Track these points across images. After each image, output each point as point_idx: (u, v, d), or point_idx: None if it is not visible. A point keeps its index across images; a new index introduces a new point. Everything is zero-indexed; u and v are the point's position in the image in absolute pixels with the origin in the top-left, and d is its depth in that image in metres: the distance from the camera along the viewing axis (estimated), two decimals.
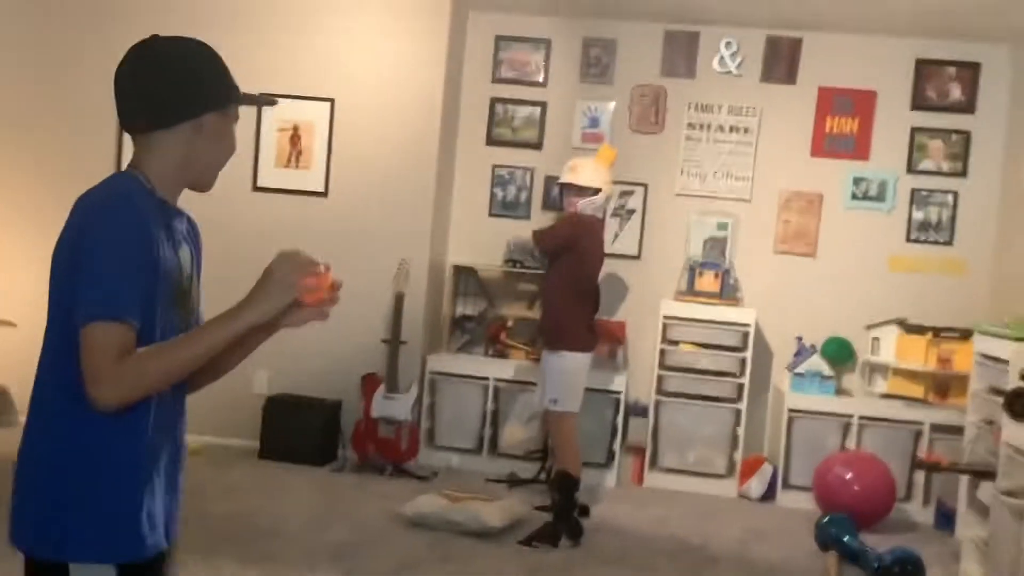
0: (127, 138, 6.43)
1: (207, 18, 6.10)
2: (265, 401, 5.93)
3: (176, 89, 1.77)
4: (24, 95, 6.22)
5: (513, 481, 5.79)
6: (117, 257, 1.65)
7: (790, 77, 6.22)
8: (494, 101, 6.42)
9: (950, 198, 6.16)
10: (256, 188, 6.12)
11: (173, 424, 1.86)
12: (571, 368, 4.84)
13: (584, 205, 4.94)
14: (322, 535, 4.55)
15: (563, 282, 4.91)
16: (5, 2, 6.26)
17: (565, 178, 5.01)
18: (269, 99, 2.02)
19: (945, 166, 6.17)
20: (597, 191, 4.94)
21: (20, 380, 6.15)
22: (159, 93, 1.77)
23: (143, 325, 1.68)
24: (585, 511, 5.19)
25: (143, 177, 1.77)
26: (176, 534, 1.95)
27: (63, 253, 1.70)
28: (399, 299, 5.85)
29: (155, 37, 1.84)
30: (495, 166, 6.44)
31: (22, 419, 6.38)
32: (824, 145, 6.22)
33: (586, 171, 4.98)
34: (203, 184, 1.86)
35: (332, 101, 6.07)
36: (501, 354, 6.16)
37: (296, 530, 4.58)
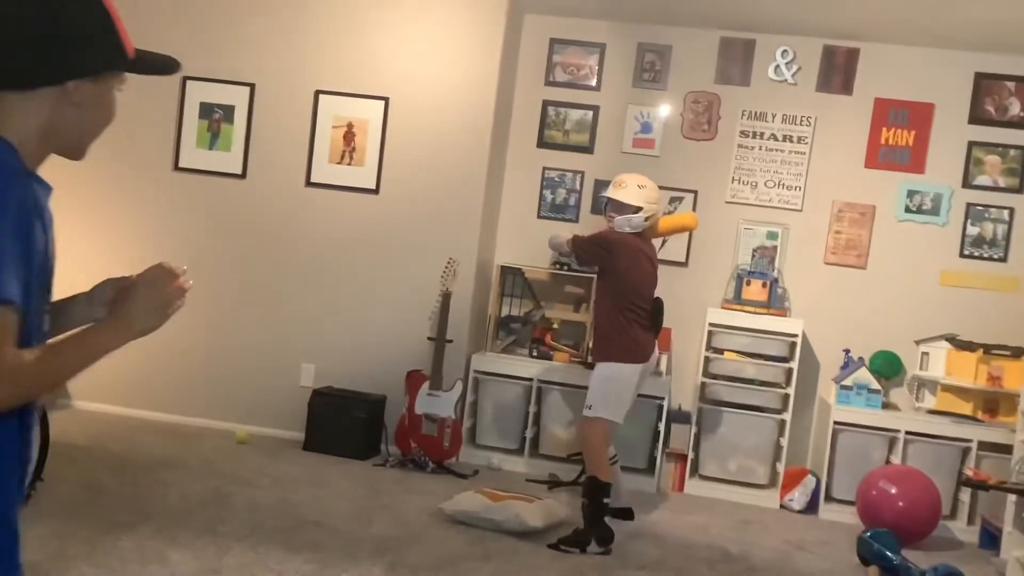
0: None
1: (264, 15, 6.21)
2: (311, 394, 6.00)
3: (35, 49, 1.47)
4: None
5: (553, 482, 5.81)
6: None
7: (846, 87, 6.17)
8: (546, 104, 6.44)
9: (1006, 214, 6.08)
10: (309, 183, 6.20)
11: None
12: (610, 377, 4.83)
13: (621, 222, 4.85)
14: (365, 528, 4.60)
15: (607, 295, 4.92)
16: None
17: (609, 192, 4.95)
18: (166, 63, 1.64)
19: (1002, 181, 6.09)
20: (637, 209, 4.86)
21: None
22: (13, 52, 1.47)
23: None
24: (630, 515, 5.20)
25: (11, 143, 1.49)
26: None
27: None
28: (446, 298, 5.90)
29: None
30: (545, 168, 6.47)
31: (76, 403, 6.50)
32: (879, 157, 6.17)
33: (630, 188, 4.86)
34: (72, 154, 1.61)
35: (387, 100, 6.13)
36: (545, 356, 6.18)
37: (340, 522, 4.64)
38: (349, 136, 6.18)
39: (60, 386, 1.57)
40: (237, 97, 6.22)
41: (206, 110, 6.27)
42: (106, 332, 1.56)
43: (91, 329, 1.57)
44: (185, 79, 6.25)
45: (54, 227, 1.58)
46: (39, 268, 1.49)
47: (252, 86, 6.22)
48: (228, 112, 6.25)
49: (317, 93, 6.17)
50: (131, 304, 1.58)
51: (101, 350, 1.54)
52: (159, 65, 1.63)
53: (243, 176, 6.26)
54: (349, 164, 6.18)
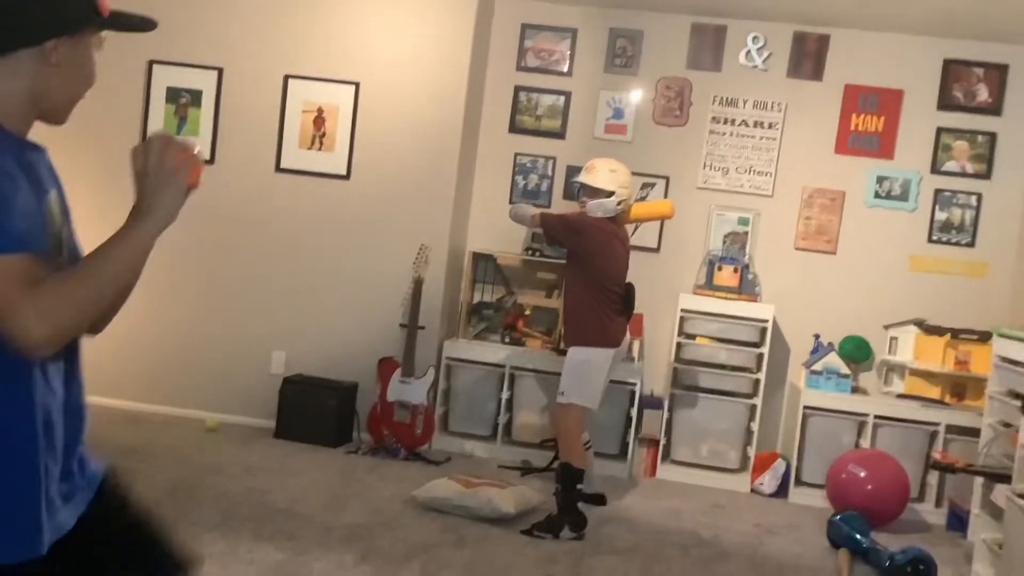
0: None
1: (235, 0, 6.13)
2: (282, 382, 5.96)
3: (9, 10, 1.49)
4: None
5: (526, 469, 5.81)
6: None
7: (816, 73, 6.19)
8: (518, 89, 6.41)
9: (974, 200, 6.13)
10: (279, 169, 6.14)
11: (72, 393, 1.69)
12: (583, 362, 4.83)
13: (593, 207, 4.84)
14: (337, 516, 4.58)
15: (577, 279, 4.91)
16: None
17: (581, 177, 4.95)
18: (143, 21, 1.68)
19: (970, 167, 6.14)
20: (610, 194, 4.86)
21: None
22: None
23: None
24: (602, 500, 5.21)
25: None
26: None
27: None
28: (418, 284, 5.87)
29: None
30: (517, 154, 6.44)
31: None
32: (848, 143, 6.19)
33: (602, 173, 4.86)
34: (55, 118, 1.62)
35: (357, 84, 6.07)
36: (518, 342, 6.17)
37: (311, 510, 4.62)
38: (319, 121, 6.12)
39: (103, 305, 1.54)
40: (205, 81, 6.14)
41: (173, 94, 6.18)
42: (131, 233, 1.53)
43: (115, 236, 1.53)
44: (151, 63, 6.16)
45: (56, 193, 1.60)
46: (35, 227, 1.48)
47: (220, 70, 6.13)
48: (196, 96, 6.17)
49: (286, 78, 6.10)
50: (146, 193, 1.54)
51: (130, 252, 1.52)
52: (135, 22, 1.66)
53: (211, 162, 6.17)
54: (319, 149, 6.12)
